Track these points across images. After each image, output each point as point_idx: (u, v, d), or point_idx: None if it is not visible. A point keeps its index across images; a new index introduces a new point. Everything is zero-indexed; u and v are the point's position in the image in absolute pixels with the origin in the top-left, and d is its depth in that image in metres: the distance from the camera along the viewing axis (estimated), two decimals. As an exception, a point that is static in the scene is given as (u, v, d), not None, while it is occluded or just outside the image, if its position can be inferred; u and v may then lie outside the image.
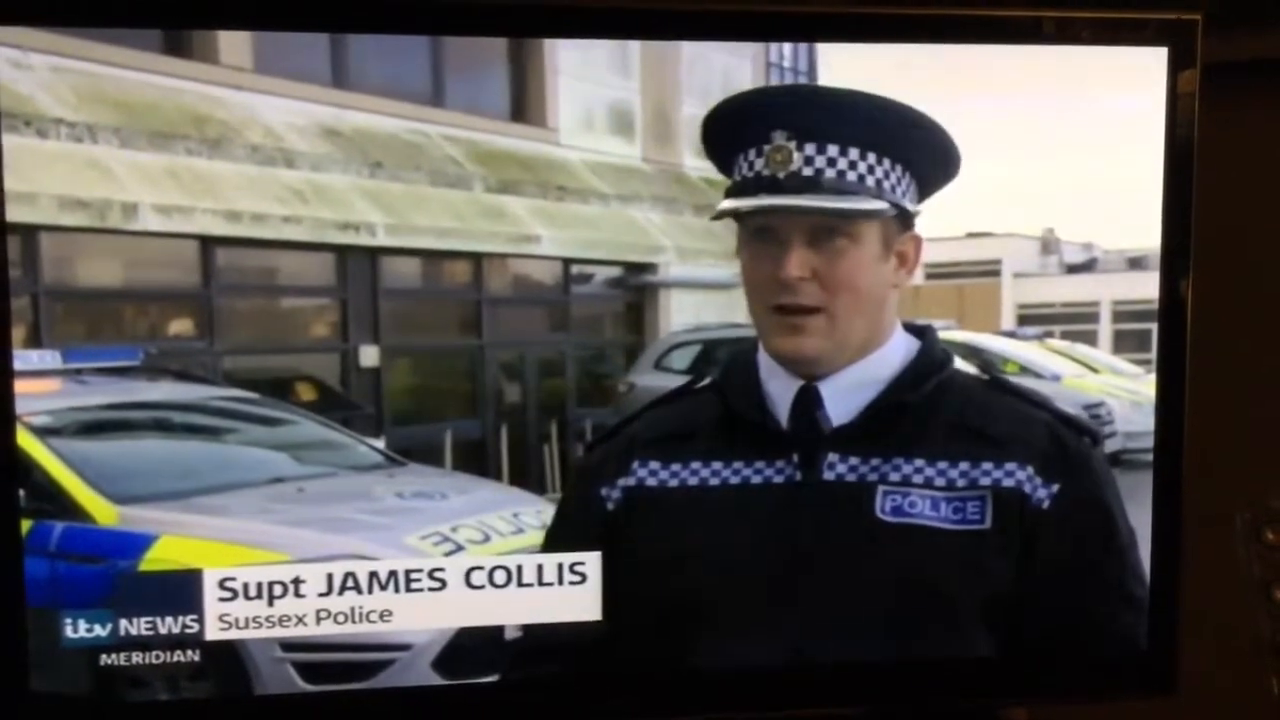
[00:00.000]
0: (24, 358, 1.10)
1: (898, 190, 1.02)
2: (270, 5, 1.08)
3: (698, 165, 1.12)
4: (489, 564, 1.16)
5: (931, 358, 1.06)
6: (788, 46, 1.19)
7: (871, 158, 1.00)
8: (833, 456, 1.03)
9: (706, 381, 1.10)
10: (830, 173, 1.00)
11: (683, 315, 1.40)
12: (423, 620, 1.16)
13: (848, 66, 1.11)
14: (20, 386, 1.08)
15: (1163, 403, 1.19)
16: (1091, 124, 1.15)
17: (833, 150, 1.00)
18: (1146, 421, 1.19)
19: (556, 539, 1.14)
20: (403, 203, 1.25)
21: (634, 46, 1.21)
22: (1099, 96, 1.14)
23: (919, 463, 1.04)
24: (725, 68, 1.17)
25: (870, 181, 1.00)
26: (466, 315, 1.36)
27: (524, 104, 1.29)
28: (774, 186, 1.00)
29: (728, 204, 1.02)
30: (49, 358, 1.13)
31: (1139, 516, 1.15)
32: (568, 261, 1.36)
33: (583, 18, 1.12)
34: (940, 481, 1.03)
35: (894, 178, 1.01)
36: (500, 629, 1.16)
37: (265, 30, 1.13)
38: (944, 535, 1.03)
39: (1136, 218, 1.17)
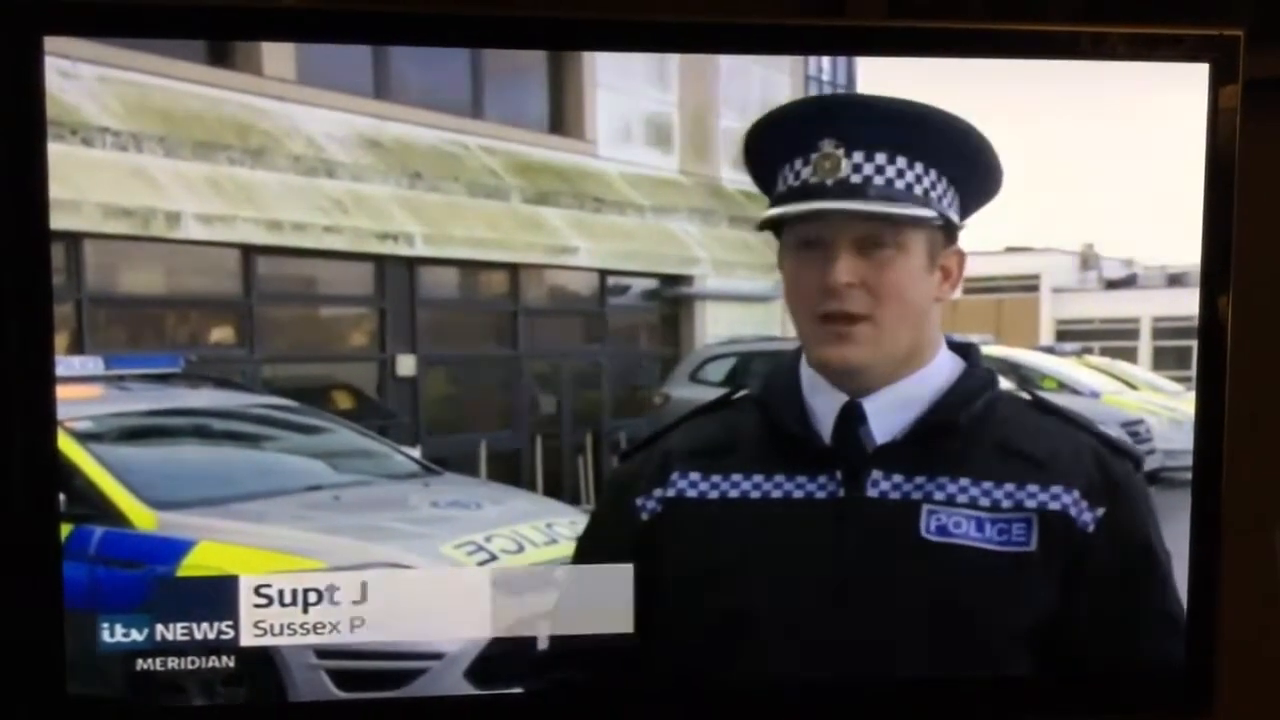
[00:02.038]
0: (66, 363, 1.11)
1: (943, 201, 1.01)
2: (313, 18, 1.09)
3: (735, 178, 1.13)
4: (523, 574, 1.16)
5: (977, 377, 1.05)
6: (826, 60, 1.19)
7: (919, 166, 1.00)
8: (876, 474, 1.03)
9: (744, 393, 1.10)
10: (879, 180, 0.99)
11: (718, 328, 1.40)
12: (456, 629, 1.16)
13: (886, 80, 1.11)
14: (62, 392, 1.09)
15: (1202, 420, 1.18)
16: (1132, 139, 1.14)
17: (881, 158, 0.99)
18: (1186, 439, 1.18)
19: (588, 549, 1.14)
20: (441, 213, 1.25)
21: (672, 59, 1.22)
22: (1140, 111, 1.14)
23: (964, 483, 1.03)
24: (763, 80, 1.17)
25: (918, 190, 1.00)
26: (503, 326, 1.37)
27: (562, 116, 1.29)
28: (822, 193, 0.99)
29: (776, 210, 1.02)
30: (91, 364, 1.15)
31: (1177, 534, 1.14)
32: (604, 273, 1.36)
33: (622, 31, 1.12)
34: (985, 502, 1.03)
35: (940, 188, 1.01)
36: (533, 639, 1.16)
37: (308, 43, 1.14)
38: (989, 556, 1.02)
39: (1177, 233, 1.16)
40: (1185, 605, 1.12)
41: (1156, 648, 1.09)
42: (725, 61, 1.20)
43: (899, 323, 1.01)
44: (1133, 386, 1.35)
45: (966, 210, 1.04)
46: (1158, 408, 1.31)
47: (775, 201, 1.02)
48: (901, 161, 0.99)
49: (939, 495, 1.02)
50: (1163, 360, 1.32)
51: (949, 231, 1.03)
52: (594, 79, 1.22)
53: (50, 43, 1.05)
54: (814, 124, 1.00)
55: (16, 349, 1.08)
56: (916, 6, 1.38)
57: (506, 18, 1.11)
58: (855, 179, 0.99)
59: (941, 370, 1.05)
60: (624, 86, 1.24)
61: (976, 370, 1.05)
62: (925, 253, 1.01)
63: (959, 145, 1.01)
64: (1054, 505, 1.02)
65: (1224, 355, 1.17)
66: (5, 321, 1.07)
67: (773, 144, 1.03)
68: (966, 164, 1.02)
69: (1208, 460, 1.18)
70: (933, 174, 1.00)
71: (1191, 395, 1.18)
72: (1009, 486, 1.03)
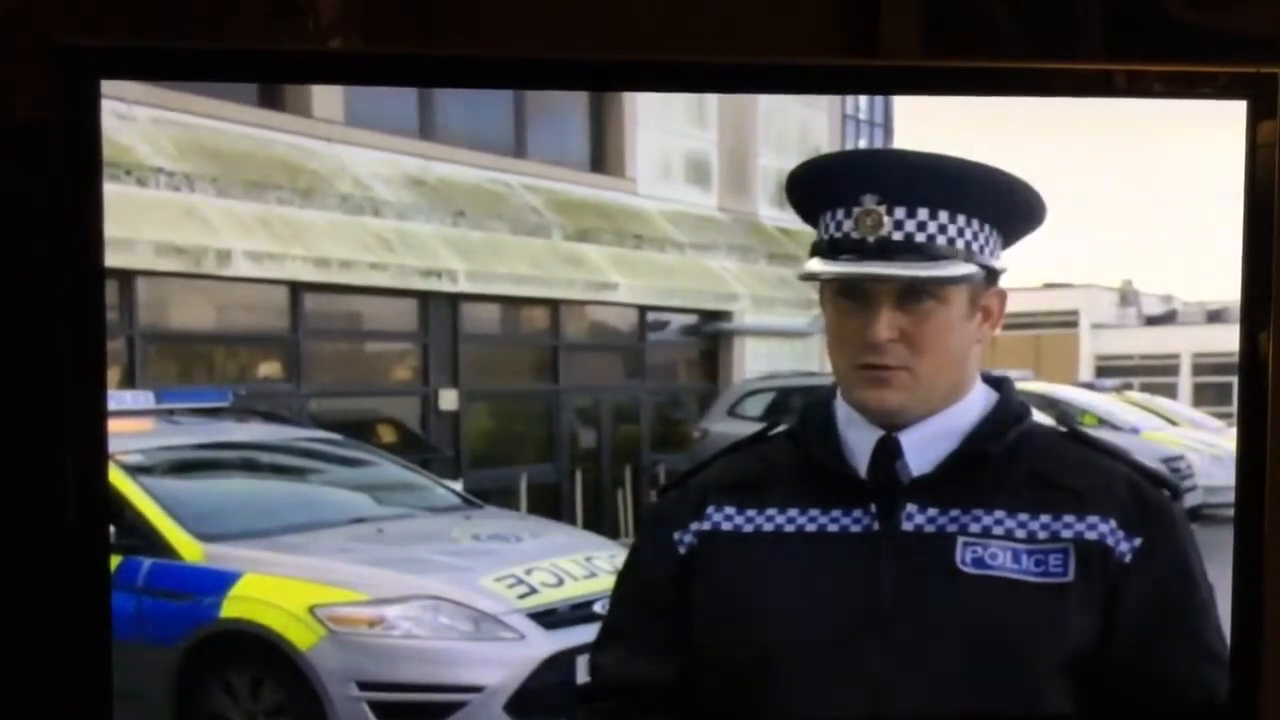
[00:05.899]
0: (118, 398, 1.13)
1: (985, 250, 1.01)
2: (361, 62, 1.12)
3: (773, 214, 1.14)
4: (560, 606, 1.16)
5: (1009, 409, 1.05)
6: (864, 99, 1.20)
7: (961, 220, 1.00)
8: (911, 507, 1.02)
9: (781, 428, 1.10)
10: (920, 237, 0.99)
11: (757, 363, 1.41)
12: (495, 662, 1.17)
13: (924, 119, 1.12)
14: (114, 426, 1.11)
15: (1243, 457, 1.17)
16: (1170, 175, 1.14)
17: (923, 214, 0.99)
18: (1227, 476, 1.17)
19: (628, 584, 1.15)
20: (484, 250, 1.27)
21: (711, 99, 1.24)
22: (1178, 148, 1.14)
23: (999, 514, 1.02)
24: (801, 119, 1.18)
25: (960, 245, 1.00)
26: (543, 361, 1.38)
27: (603, 154, 1.31)
28: (862, 250, 0.99)
29: (816, 267, 1.01)
30: (142, 398, 1.17)
31: (1219, 571, 1.14)
32: (644, 309, 1.38)
33: (661, 71, 1.14)
34: (1021, 534, 1.02)
35: (982, 238, 1.01)
36: (572, 673, 1.17)
37: (356, 85, 1.17)
38: (1026, 587, 1.02)
39: (1216, 269, 1.16)
40: (1228, 638, 1.11)
41: (1198, 678, 1.07)
42: (763, 101, 1.21)
43: (936, 370, 1.01)
44: (1173, 422, 1.34)
45: (1008, 244, 1.04)
46: (1198, 444, 1.30)
47: (815, 250, 1.03)
48: (943, 216, 0.99)
49: (974, 527, 1.02)
50: (1203, 396, 1.32)
51: (991, 275, 1.03)
52: (634, 118, 1.24)
53: (107, 86, 1.08)
54: (855, 178, 1.00)
55: (70, 383, 1.10)
56: (950, 42, 1.38)
57: (549, 59, 1.12)
58: (897, 236, 0.99)
59: (976, 404, 1.04)
60: (664, 125, 1.26)
61: (1009, 403, 1.05)
62: (966, 300, 1.01)
63: (1001, 198, 1.02)
64: (1091, 535, 1.02)
65: (1265, 390, 1.16)
66: (60, 356, 1.09)
67: (813, 193, 1.03)
68: (1010, 211, 1.02)
69: (1250, 496, 1.17)
70: (975, 225, 1.00)
71: (1232, 431, 1.17)
72: (1045, 517, 1.02)
